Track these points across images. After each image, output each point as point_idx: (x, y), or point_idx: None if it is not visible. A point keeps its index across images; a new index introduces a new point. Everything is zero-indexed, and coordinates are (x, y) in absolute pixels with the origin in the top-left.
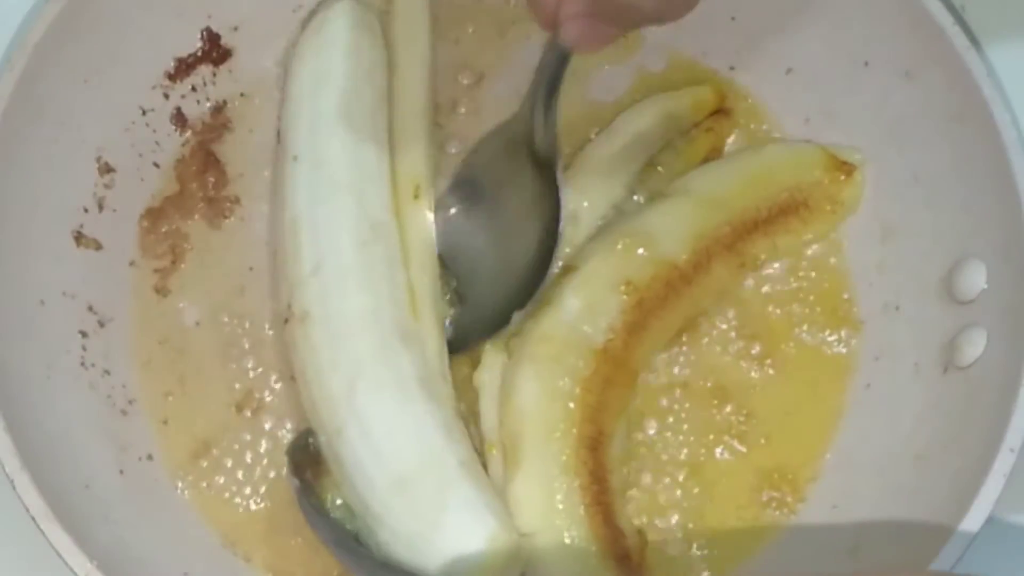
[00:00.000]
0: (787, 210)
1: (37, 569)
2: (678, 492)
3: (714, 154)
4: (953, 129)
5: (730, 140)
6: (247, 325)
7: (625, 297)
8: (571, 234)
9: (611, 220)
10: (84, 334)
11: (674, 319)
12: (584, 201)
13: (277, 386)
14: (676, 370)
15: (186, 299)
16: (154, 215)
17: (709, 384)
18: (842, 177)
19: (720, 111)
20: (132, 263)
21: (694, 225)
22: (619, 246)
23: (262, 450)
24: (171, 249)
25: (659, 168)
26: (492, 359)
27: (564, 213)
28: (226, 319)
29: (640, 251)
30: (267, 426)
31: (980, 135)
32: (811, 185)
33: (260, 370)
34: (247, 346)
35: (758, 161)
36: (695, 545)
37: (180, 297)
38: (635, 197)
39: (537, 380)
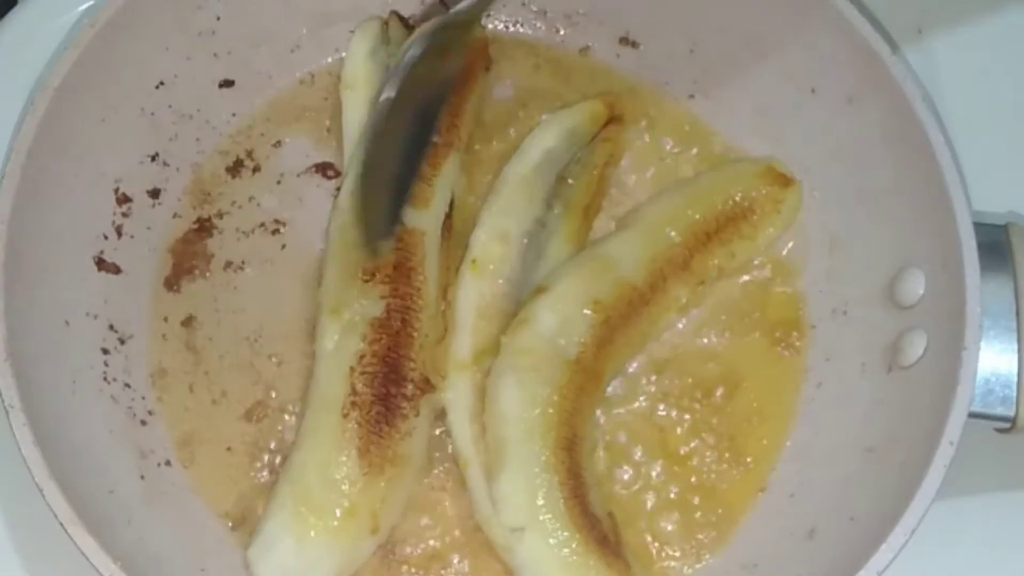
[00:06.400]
0: (735, 217)
1: (66, 570)
2: (651, 483)
3: (614, 160)
4: (892, 149)
5: (670, 149)
6: (258, 339)
7: (593, 315)
8: (503, 252)
9: (583, 250)
10: (106, 351)
11: (638, 333)
12: (510, 219)
13: (277, 395)
14: (646, 374)
15: (201, 317)
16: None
17: (677, 383)
18: (781, 187)
19: (612, 119)
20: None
21: (647, 249)
22: (586, 270)
23: (269, 455)
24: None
25: (569, 180)
26: (457, 378)
27: None
28: (238, 334)
29: (604, 274)
30: (275, 433)
31: (917, 155)
32: (753, 192)
33: (269, 380)
34: (257, 358)
35: (704, 180)
36: (668, 529)
37: (194, 315)
38: (554, 210)
39: (519, 388)
